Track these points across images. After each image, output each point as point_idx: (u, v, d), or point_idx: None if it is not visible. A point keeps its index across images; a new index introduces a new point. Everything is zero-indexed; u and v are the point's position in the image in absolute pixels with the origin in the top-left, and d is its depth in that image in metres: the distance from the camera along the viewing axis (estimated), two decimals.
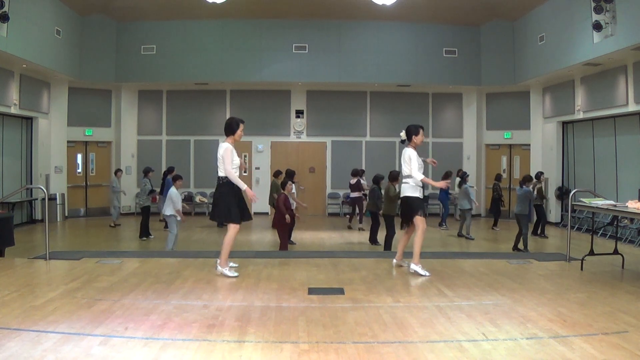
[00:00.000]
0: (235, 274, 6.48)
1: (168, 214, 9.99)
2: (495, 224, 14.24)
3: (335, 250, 10.73)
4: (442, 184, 7.27)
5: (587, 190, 11.18)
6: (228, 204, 6.44)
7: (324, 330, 4.48)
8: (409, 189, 6.79)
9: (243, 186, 6.46)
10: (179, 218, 9.95)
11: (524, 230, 10.47)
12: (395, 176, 10.35)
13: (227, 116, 17.12)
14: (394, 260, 7.24)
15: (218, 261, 6.58)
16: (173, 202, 9.89)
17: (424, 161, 7.02)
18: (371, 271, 6.96)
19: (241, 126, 6.63)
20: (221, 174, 6.46)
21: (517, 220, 10.65)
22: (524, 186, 10.83)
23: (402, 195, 6.88)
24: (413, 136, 6.92)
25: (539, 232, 12.91)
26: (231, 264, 6.69)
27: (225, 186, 6.46)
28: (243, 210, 6.59)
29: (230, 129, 6.57)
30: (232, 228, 6.46)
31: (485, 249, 11.17)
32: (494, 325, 4.60)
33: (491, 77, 16.35)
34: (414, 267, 6.67)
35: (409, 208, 6.81)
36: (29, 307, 4.98)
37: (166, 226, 12.38)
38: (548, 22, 13.72)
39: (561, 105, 14.73)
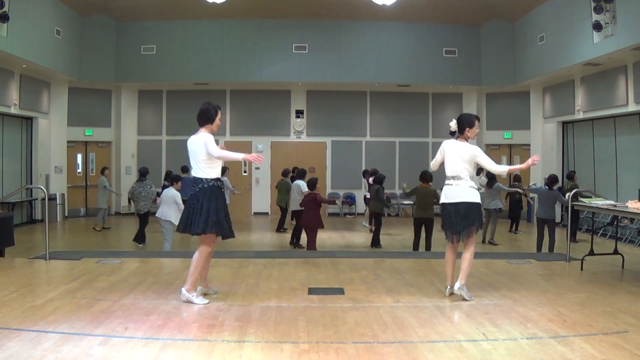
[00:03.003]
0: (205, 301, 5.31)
1: (167, 219, 9.35)
2: (516, 228, 13.88)
3: (335, 250, 10.72)
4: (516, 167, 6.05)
5: (587, 190, 11.16)
6: (217, 209, 5.31)
7: (324, 330, 4.48)
8: (475, 193, 5.56)
9: (240, 155, 5.40)
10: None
11: (553, 235, 9.69)
12: (431, 177, 9.74)
13: (227, 116, 17.17)
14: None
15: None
16: (178, 204, 9.22)
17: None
18: (371, 271, 6.96)
19: (219, 114, 5.45)
20: (207, 174, 5.30)
21: (543, 225, 9.73)
22: (553, 188, 9.76)
23: (463, 200, 5.52)
24: (467, 128, 5.60)
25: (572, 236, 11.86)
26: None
27: (214, 189, 5.32)
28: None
29: (207, 116, 5.37)
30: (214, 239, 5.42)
31: (491, 250, 11.14)
32: (494, 325, 4.60)
33: (491, 77, 16.34)
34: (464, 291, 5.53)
35: (478, 215, 5.61)
36: (29, 307, 4.98)
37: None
38: (548, 22, 13.72)
39: (561, 105, 14.74)
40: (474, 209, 5.53)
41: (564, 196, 10.38)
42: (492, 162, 5.63)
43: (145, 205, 11.21)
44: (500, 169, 5.77)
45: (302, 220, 10.09)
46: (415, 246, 10.03)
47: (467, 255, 5.55)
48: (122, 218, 16.04)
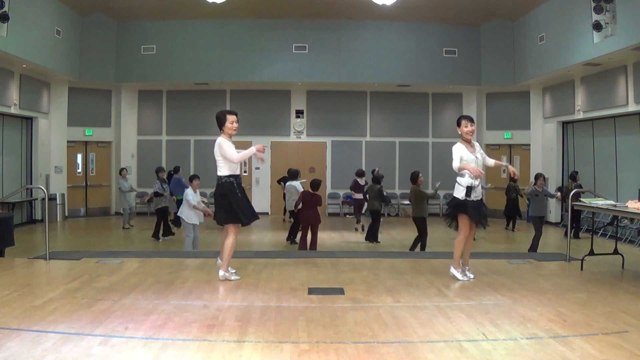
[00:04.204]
0: (238, 277, 6.30)
1: (181, 216, 9.75)
2: (513, 226, 14.08)
3: (335, 250, 10.72)
4: (473, 169, 6.13)
5: (587, 190, 11.17)
6: (236, 203, 6.09)
7: (324, 330, 4.48)
8: (455, 188, 6.31)
9: (251, 151, 6.25)
10: (195, 221, 9.70)
11: (538, 232, 10.05)
12: (416, 177, 10.21)
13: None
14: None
15: (219, 267, 6.30)
16: (188, 202, 9.57)
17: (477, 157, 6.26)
18: (371, 271, 6.96)
19: (229, 117, 6.19)
20: (221, 172, 6.12)
21: (536, 221, 10.16)
22: (534, 186, 10.28)
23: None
24: (457, 128, 6.37)
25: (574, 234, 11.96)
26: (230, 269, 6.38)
27: (226, 185, 6.11)
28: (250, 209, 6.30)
29: (219, 123, 6.21)
30: (235, 229, 6.18)
31: (491, 250, 11.13)
32: (494, 325, 4.60)
33: (491, 77, 16.35)
34: (452, 270, 6.43)
35: (451, 209, 6.48)
36: (29, 307, 4.97)
37: (176, 224, 12.72)
38: (548, 22, 13.72)
39: (561, 105, 14.74)
40: (451, 201, 6.48)
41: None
42: (455, 160, 6.21)
43: (159, 202, 12.10)
44: (454, 165, 6.23)
45: (304, 218, 10.19)
46: (422, 246, 10.10)
47: (455, 242, 6.47)
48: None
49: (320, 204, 10.23)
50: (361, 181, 13.86)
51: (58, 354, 3.82)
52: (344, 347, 4.06)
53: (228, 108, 17.16)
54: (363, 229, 13.61)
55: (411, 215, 10.50)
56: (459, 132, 6.33)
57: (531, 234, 10.44)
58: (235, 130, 6.27)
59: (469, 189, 6.15)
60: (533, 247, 10.08)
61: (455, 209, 6.32)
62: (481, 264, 7.45)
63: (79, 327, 4.44)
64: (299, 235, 10.75)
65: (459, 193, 6.23)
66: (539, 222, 10.18)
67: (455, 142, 6.29)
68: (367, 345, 4.12)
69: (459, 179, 6.26)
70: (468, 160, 6.17)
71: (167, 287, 5.90)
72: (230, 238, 6.14)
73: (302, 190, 10.80)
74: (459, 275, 6.35)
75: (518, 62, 15.54)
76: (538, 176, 10.49)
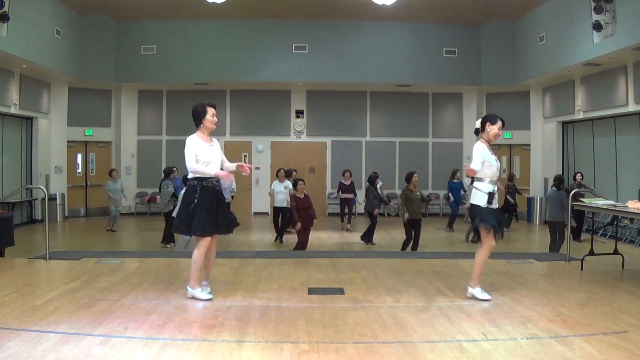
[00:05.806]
0: (210, 296, 5.36)
1: None
2: (507, 225, 14.13)
3: (335, 250, 10.72)
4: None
5: (587, 190, 11.16)
6: (189, 212, 5.25)
7: (324, 330, 4.48)
8: (474, 194, 5.49)
9: (212, 172, 5.27)
10: None
11: (553, 237, 9.66)
12: (409, 177, 10.20)
13: (227, 116, 17.18)
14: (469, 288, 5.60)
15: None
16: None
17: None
18: (371, 271, 6.96)
19: (210, 110, 5.32)
20: (190, 175, 5.35)
21: (552, 227, 9.69)
22: (554, 188, 9.78)
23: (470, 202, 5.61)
24: (487, 124, 5.60)
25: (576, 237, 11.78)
26: (203, 283, 5.47)
27: (190, 188, 5.32)
28: (217, 220, 5.32)
29: (197, 117, 5.33)
30: (201, 241, 5.29)
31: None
32: (494, 325, 4.60)
33: (491, 77, 16.34)
34: (472, 290, 5.51)
35: (471, 217, 5.65)
36: (29, 307, 4.97)
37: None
38: (548, 22, 13.72)
39: (561, 105, 14.74)
40: (473, 210, 5.53)
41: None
42: (474, 161, 5.46)
43: (163, 205, 10.97)
44: (475, 166, 5.42)
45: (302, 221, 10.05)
46: (413, 247, 10.15)
47: (476, 258, 5.56)
48: (122, 218, 16.00)
49: (299, 205, 9.83)
50: (346, 181, 13.97)
51: (58, 354, 3.83)
52: (344, 347, 4.06)
53: (228, 108, 17.30)
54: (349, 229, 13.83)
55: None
56: (487, 130, 5.58)
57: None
58: (215, 124, 5.40)
59: (491, 196, 5.41)
60: (557, 248, 9.53)
61: (481, 219, 5.40)
62: None
63: (79, 327, 4.44)
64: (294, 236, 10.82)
65: (480, 200, 5.42)
66: (561, 227, 9.49)
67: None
68: (367, 345, 4.12)
69: (477, 184, 5.47)
70: (491, 163, 5.44)
71: (167, 287, 5.89)
72: (196, 250, 5.30)
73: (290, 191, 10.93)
74: (480, 295, 5.45)
75: (518, 62, 15.54)
76: (559, 179, 9.79)
